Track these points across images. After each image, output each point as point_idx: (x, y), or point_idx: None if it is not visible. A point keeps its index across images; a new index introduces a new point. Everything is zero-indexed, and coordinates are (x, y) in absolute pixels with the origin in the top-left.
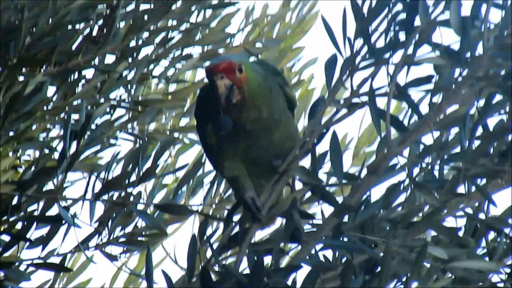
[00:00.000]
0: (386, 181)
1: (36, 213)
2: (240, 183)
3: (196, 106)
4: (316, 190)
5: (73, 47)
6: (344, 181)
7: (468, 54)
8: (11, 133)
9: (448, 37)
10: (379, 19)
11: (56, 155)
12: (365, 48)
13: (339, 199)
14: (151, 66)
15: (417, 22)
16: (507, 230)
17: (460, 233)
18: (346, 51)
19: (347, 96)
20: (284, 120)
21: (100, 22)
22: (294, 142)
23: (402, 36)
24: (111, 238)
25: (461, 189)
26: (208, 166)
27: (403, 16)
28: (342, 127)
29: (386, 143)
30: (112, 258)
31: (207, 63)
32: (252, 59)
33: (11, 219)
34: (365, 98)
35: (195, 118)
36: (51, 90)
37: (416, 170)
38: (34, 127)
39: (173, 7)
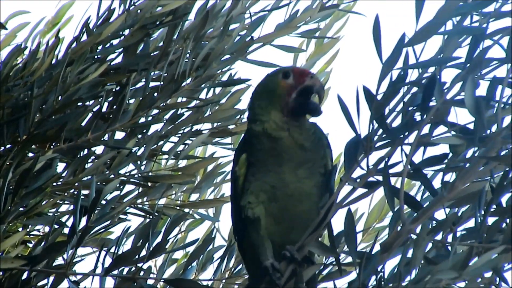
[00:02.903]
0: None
1: None
2: (260, 248)
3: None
4: (337, 265)
5: (83, 124)
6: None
7: (483, 134)
8: (21, 209)
9: (463, 116)
10: (394, 100)
11: (66, 231)
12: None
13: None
14: (161, 143)
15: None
16: None
17: None
18: (362, 130)
19: (362, 174)
20: (317, 176)
21: (110, 99)
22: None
23: (417, 116)
24: None
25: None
26: (218, 241)
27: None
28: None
29: (399, 220)
30: None
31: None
32: None
33: None
34: (379, 177)
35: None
36: (61, 167)
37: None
38: (44, 202)
39: (183, 84)
